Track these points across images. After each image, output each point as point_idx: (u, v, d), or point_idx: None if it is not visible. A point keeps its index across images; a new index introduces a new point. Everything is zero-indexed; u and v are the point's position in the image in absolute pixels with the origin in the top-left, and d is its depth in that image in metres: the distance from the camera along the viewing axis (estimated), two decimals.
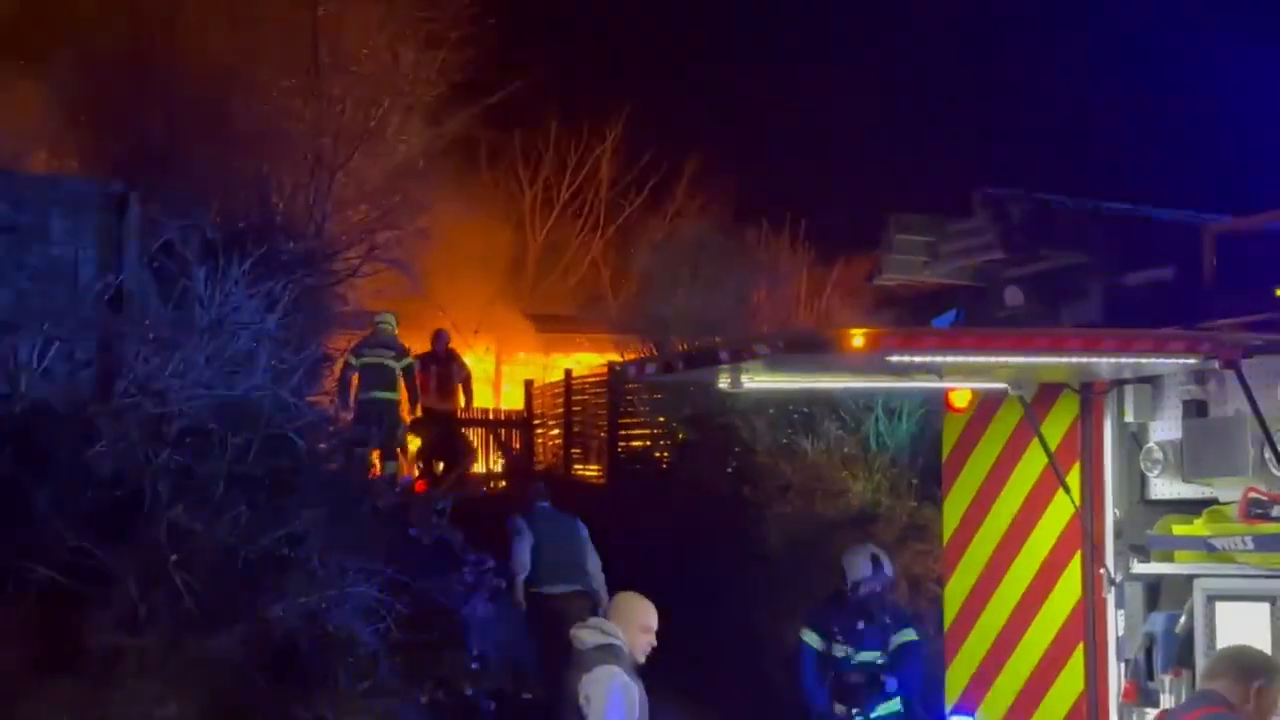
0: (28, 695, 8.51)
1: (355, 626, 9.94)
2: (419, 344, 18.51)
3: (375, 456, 16.65)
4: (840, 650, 9.87)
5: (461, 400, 19.13)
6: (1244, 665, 5.58)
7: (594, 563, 12.87)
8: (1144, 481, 8.09)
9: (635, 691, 7.14)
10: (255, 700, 9.10)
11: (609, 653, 7.21)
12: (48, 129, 14.72)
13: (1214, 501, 7.70)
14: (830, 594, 10.19)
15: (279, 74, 15.04)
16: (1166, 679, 7.61)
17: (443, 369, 18.77)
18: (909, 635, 9.89)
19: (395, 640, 10.63)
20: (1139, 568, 7.98)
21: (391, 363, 17.06)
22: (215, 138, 14.22)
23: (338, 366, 15.80)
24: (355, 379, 16.65)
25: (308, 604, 9.44)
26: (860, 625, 9.82)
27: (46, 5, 16.43)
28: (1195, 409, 7.76)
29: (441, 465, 19.30)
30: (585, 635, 7.33)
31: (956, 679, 8.73)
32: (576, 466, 22.69)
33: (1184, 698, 7.51)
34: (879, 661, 9.82)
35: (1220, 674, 5.58)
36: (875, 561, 9.92)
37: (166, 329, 10.02)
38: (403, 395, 17.51)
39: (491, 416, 25.19)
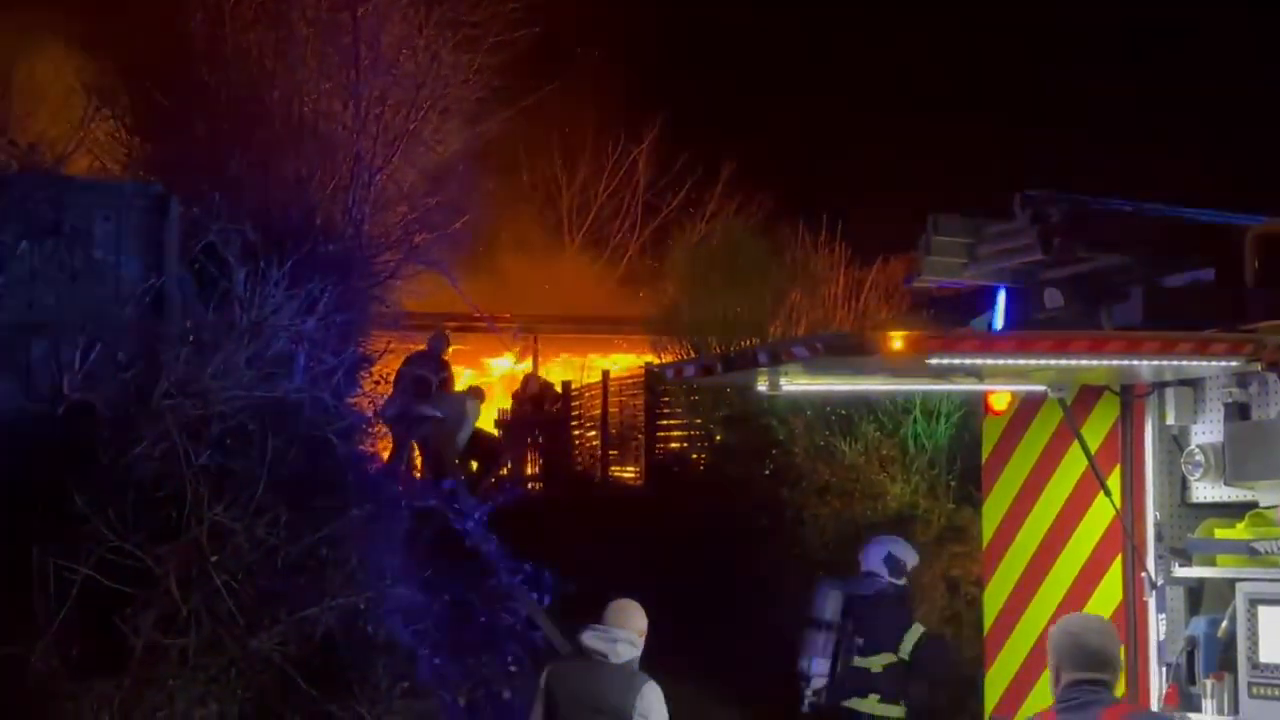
0: (69, 694, 8.58)
1: (394, 627, 9.98)
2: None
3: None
4: None
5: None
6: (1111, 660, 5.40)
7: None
8: (1185, 484, 8.04)
9: None
10: (294, 700, 9.15)
11: (639, 665, 7.24)
12: (90, 132, 14.80)
13: (1256, 505, 7.65)
14: None
15: (318, 75, 15.08)
16: (1208, 683, 7.56)
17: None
18: None
19: (433, 641, 10.67)
20: (1180, 571, 7.94)
21: (430, 376, 18.55)
22: (255, 140, 14.28)
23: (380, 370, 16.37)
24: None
25: (346, 604, 9.48)
26: None
27: (88, 8, 16.55)
28: (1237, 411, 7.71)
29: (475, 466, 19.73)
30: (622, 650, 7.23)
31: (996, 682, 8.70)
32: (614, 468, 22.68)
33: (1225, 703, 7.47)
34: None
35: (1098, 666, 5.36)
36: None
37: (207, 331, 10.08)
38: None
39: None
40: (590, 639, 7.31)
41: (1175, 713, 7.73)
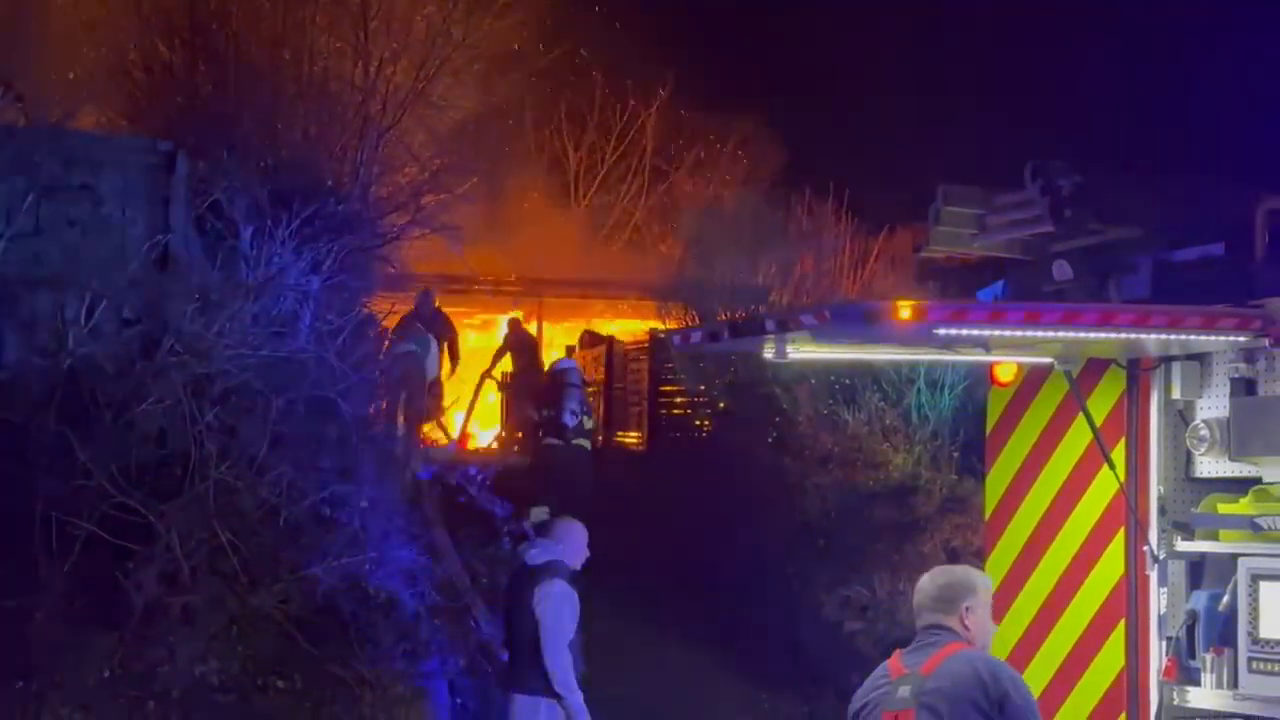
0: (69, 648, 8.61)
1: (396, 589, 10.00)
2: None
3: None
4: None
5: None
6: (947, 592, 5.60)
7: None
8: (1189, 459, 8.02)
9: (575, 595, 8.58)
10: (295, 658, 9.17)
11: (552, 568, 8.53)
12: (98, 87, 14.76)
13: (1260, 481, 7.64)
14: None
15: (329, 35, 15.03)
16: (1208, 657, 7.56)
17: None
18: None
19: (435, 604, 10.69)
20: (1182, 545, 7.92)
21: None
22: (264, 98, 14.23)
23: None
24: None
25: (349, 565, 9.50)
26: None
27: None
28: (1243, 387, 7.69)
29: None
30: (536, 554, 8.67)
31: (996, 653, 8.66)
32: (618, 432, 22.69)
33: (1224, 677, 7.47)
34: None
35: (931, 608, 5.57)
36: None
37: (213, 288, 10.07)
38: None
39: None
40: (521, 546, 9.11)
41: (1175, 686, 7.75)
